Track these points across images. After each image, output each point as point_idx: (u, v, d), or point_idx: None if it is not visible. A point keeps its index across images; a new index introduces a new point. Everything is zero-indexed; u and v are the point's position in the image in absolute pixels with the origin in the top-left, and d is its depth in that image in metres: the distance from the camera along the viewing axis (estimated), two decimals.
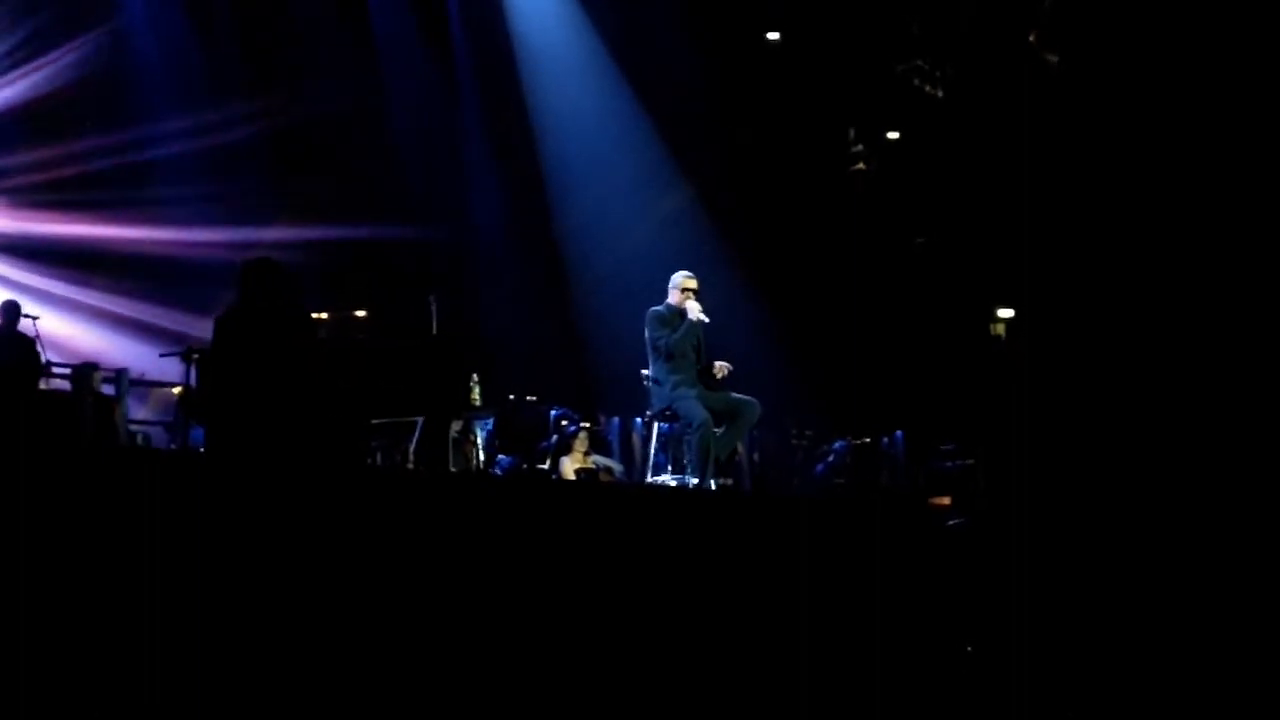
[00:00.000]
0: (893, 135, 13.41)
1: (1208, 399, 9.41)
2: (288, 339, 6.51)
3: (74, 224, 13.32)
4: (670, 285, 8.58)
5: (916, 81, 12.85)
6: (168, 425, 11.65)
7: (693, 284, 8.50)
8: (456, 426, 9.54)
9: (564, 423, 11.13)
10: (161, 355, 12.45)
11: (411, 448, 8.59)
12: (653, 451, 8.95)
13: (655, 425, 8.75)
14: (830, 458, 12.73)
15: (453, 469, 9.16)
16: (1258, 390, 9.14)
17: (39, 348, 10.63)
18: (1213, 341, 9.75)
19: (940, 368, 12.69)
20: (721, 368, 8.42)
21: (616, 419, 12.73)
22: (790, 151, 13.93)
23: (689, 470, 8.18)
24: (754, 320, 13.25)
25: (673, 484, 8.45)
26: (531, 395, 12.22)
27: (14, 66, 12.91)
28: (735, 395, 8.38)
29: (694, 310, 8.34)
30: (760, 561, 5.73)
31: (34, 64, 13.00)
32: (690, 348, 8.35)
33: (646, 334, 8.41)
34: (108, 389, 10.71)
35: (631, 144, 14.50)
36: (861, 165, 13.48)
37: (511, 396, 11.97)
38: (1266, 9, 9.89)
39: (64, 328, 12.78)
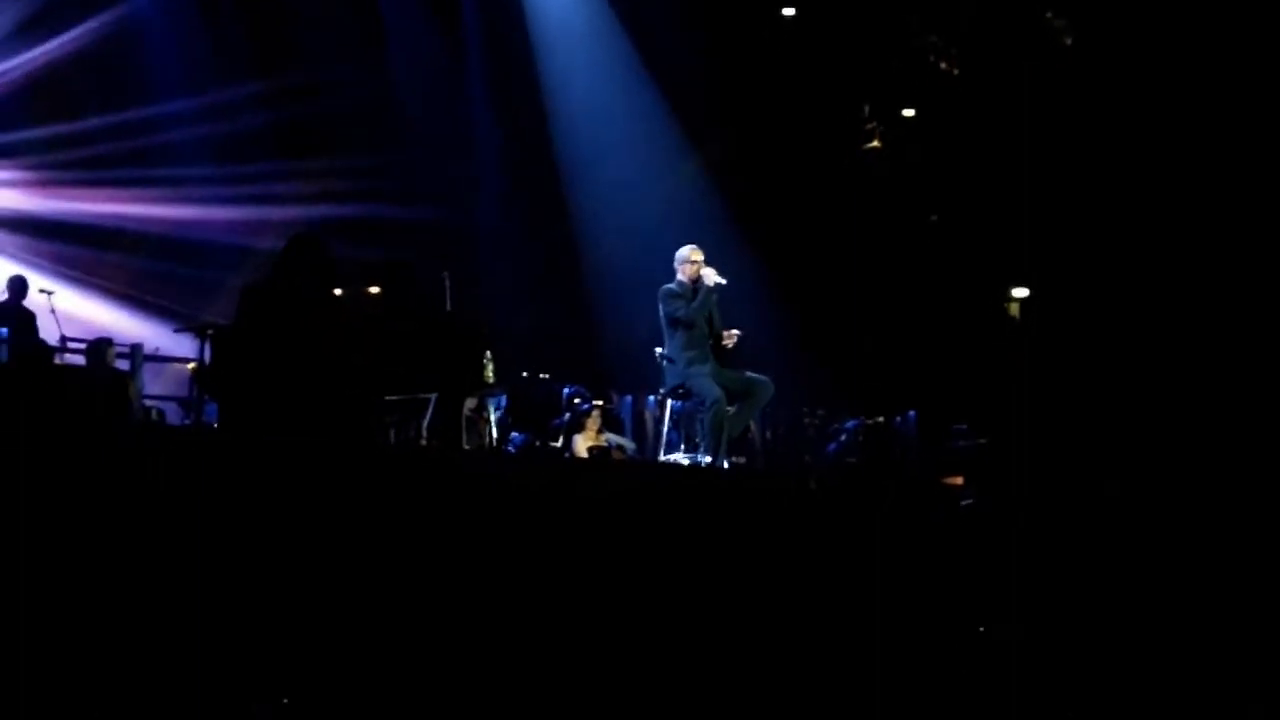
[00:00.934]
0: (908, 113, 13.36)
1: (1221, 378, 9.38)
2: (309, 316, 6.48)
3: (89, 201, 13.37)
4: (676, 262, 8.49)
5: (931, 59, 12.79)
6: (182, 401, 11.68)
7: (699, 255, 8.43)
8: (471, 404, 9.54)
9: (576, 400, 11.12)
10: (176, 330, 12.49)
11: (425, 425, 8.59)
12: (666, 429, 8.95)
13: (668, 403, 8.73)
14: (843, 437, 12.72)
15: (467, 446, 9.18)
16: (1267, 380, 9.11)
17: (55, 322, 10.68)
18: (1226, 320, 9.71)
19: (953, 347, 12.68)
20: (731, 335, 8.36)
21: (629, 397, 12.73)
22: (803, 130, 13.89)
23: (702, 448, 8.17)
24: (766, 299, 13.23)
25: (685, 462, 8.44)
26: (544, 373, 12.22)
27: (31, 44, 12.93)
28: (749, 374, 8.36)
29: (711, 276, 8.28)
30: (772, 539, 5.73)
31: (51, 42, 13.04)
32: (703, 319, 8.31)
33: (661, 310, 8.36)
34: (122, 364, 10.74)
35: (644, 122, 14.47)
36: (876, 143, 13.43)
37: (525, 374, 11.98)
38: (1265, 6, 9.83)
39: (79, 303, 12.84)
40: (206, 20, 13.76)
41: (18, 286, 10.50)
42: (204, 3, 13.76)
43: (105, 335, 10.69)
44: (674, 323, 8.28)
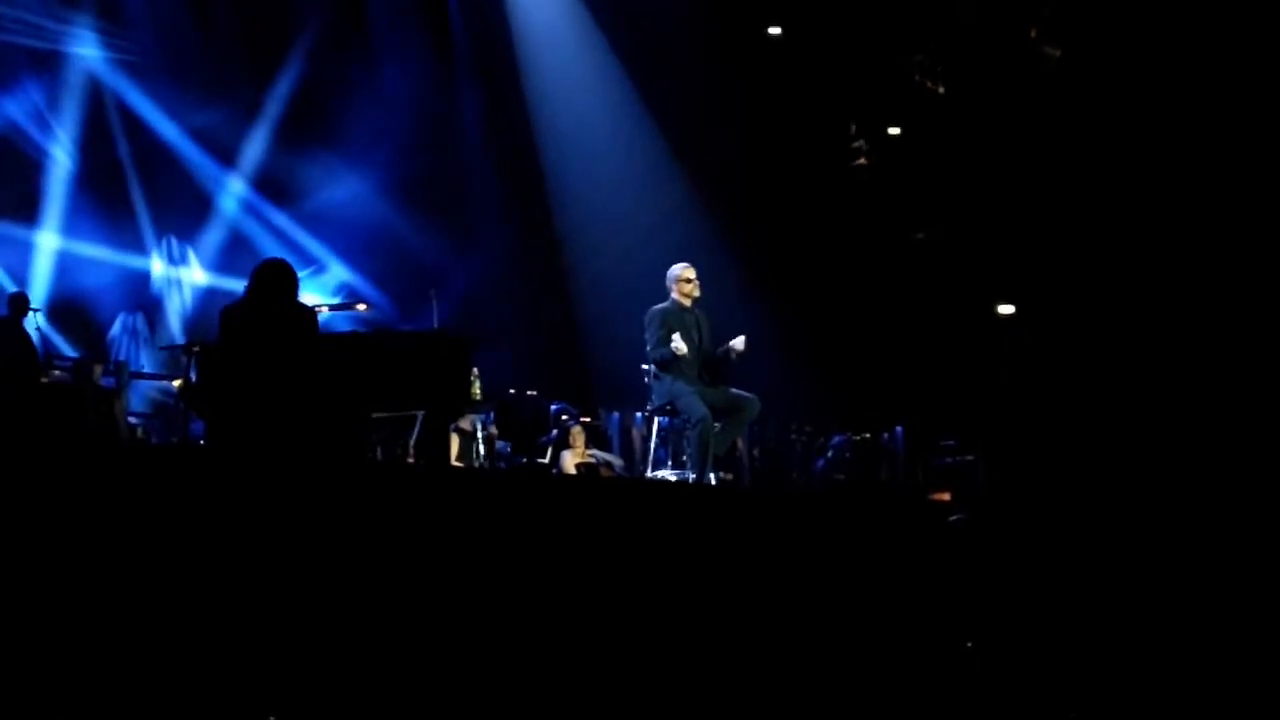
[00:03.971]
0: (894, 130, 13.39)
1: (1208, 393, 9.41)
2: (290, 334, 6.53)
3: None
4: (668, 280, 8.42)
5: (917, 77, 12.84)
6: (167, 418, 11.68)
7: (691, 274, 8.37)
8: (465, 423, 9.58)
9: (564, 417, 11.14)
10: (161, 348, 12.54)
11: (412, 442, 8.59)
12: (653, 446, 8.93)
13: (655, 420, 8.72)
14: (830, 453, 12.73)
15: (458, 463, 9.19)
16: (1258, 393, 9.14)
17: (36, 341, 10.66)
18: (1212, 335, 9.75)
19: (940, 363, 12.70)
20: (736, 347, 8.26)
21: (616, 414, 12.74)
22: (791, 146, 13.93)
23: (689, 465, 8.16)
24: (754, 315, 13.24)
25: (673, 479, 8.44)
26: (532, 390, 12.23)
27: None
28: (735, 391, 8.33)
29: (679, 346, 8.07)
30: (759, 557, 5.73)
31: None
32: (694, 342, 8.27)
33: (647, 332, 8.35)
34: (108, 381, 10.73)
35: (632, 140, 14.51)
36: (862, 160, 13.47)
37: (512, 391, 11.99)
38: (1265, 8, 9.89)
39: None
40: (198, 39, 13.86)
41: (18, 304, 10.43)
42: (200, 27, 13.86)
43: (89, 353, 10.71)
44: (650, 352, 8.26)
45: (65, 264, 13.11)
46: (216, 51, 13.83)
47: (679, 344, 8.09)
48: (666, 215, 14.25)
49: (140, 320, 13.40)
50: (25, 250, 12.97)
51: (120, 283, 13.53)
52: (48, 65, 13.26)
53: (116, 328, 13.28)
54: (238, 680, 4.46)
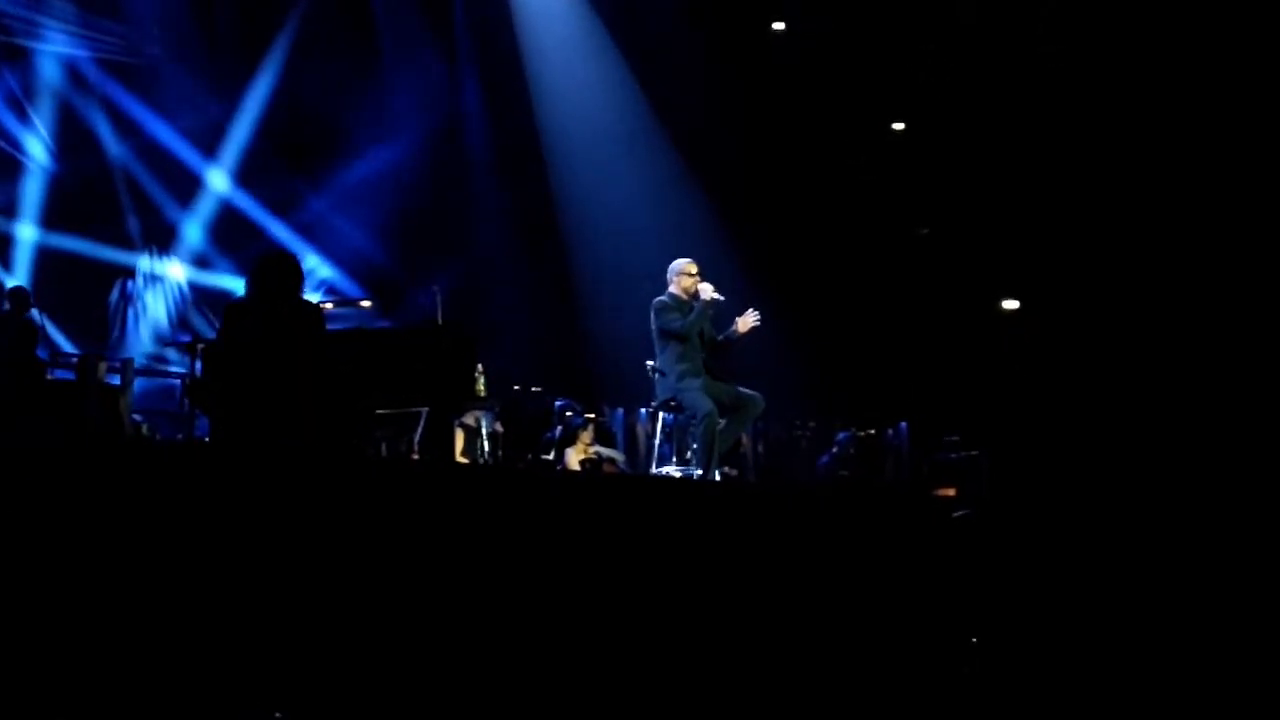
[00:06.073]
0: (898, 126, 13.40)
1: (1210, 387, 9.40)
2: (296, 331, 6.52)
3: None
4: (670, 274, 8.38)
5: (922, 74, 12.83)
6: (171, 415, 11.70)
7: (694, 268, 8.35)
8: (470, 419, 9.58)
9: (568, 414, 11.13)
10: (165, 344, 12.57)
11: (417, 439, 8.58)
12: (657, 442, 8.92)
13: (660, 416, 8.70)
14: (834, 449, 12.73)
15: (464, 460, 9.19)
16: (1260, 387, 9.13)
17: (41, 335, 10.66)
18: (1214, 330, 9.74)
19: (944, 359, 12.70)
20: (747, 320, 8.28)
21: (620, 410, 12.73)
22: (795, 143, 13.92)
23: (694, 461, 8.13)
24: (758, 311, 13.22)
25: (677, 475, 8.42)
26: (536, 386, 12.23)
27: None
28: (740, 388, 8.31)
29: (708, 290, 8.21)
30: (764, 553, 5.73)
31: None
32: (697, 333, 8.25)
33: (653, 324, 8.29)
34: (112, 379, 10.73)
35: (635, 134, 14.51)
36: (866, 156, 13.46)
37: (516, 387, 11.98)
38: (1265, 8, 9.88)
39: None
40: (198, 42, 13.87)
41: (19, 298, 10.41)
42: (202, 28, 13.88)
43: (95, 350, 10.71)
44: (667, 336, 8.21)
45: (49, 257, 13.17)
46: (210, 46, 13.85)
47: (706, 290, 8.12)
48: (670, 211, 14.25)
49: (139, 285, 13.53)
50: (7, 244, 13.03)
51: (108, 272, 13.62)
52: (29, 60, 13.26)
53: (115, 294, 13.41)
54: (242, 678, 4.46)
